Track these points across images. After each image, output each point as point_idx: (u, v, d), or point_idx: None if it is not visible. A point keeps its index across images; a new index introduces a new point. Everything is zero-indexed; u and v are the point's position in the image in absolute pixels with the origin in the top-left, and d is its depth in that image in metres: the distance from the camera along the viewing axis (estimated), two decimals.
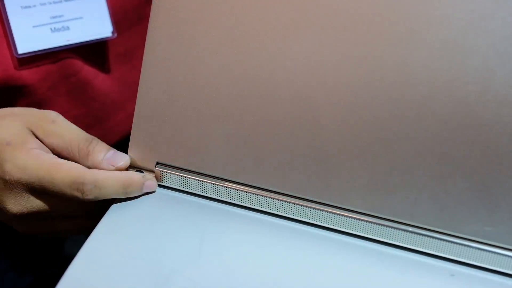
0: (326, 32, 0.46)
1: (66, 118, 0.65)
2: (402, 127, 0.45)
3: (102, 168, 0.49)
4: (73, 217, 0.52)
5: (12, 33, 0.59)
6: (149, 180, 0.51)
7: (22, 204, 0.50)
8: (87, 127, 0.66)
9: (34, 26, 0.61)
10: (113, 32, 0.63)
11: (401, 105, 0.45)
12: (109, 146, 0.51)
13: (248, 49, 0.48)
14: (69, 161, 0.49)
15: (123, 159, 0.50)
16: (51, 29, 0.63)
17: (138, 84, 0.50)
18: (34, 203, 0.50)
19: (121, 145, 0.66)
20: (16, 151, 0.49)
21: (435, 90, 0.44)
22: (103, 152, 0.50)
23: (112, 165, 0.50)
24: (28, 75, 0.60)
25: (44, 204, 0.50)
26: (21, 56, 0.59)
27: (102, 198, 0.48)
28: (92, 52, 0.64)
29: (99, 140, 0.51)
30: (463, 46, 0.43)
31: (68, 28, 0.63)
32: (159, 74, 0.50)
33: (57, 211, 0.51)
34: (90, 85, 0.64)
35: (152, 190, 0.51)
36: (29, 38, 0.60)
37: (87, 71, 0.63)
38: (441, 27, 0.43)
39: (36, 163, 0.48)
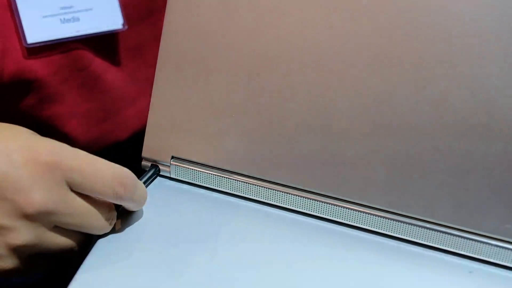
0: (344, 27, 0.45)
1: (78, 112, 0.64)
2: (421, 122, 0.45)
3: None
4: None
5: (22, 23, 0.58)
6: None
7: (53, 196, 0.42)
8: (99, 122, 0.65)
9: (43, 17, 0.60)
10: (123, 25, 0.63)
11: (420, 100, 0.45)
12: None
13: (264, 44, 0.47)
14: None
15: None
16: (60, 19, 0.62)
17: (149, 79, 0.49)
18: (67, 199, 0.43)
19: (132, 140, 0.66)
20: (48, 139, 0.45)
21: (454, 86, 0.44)
22: None
23: None
24: (39, 68, 0.59)
25: (77, 205, 0.44)
26: (30, 46, 0.58)
27: (133, 201, 0.46)
28: (103, 45, 0.63)
29: None
30: (482, 42, 0.43)
31: (78, 19, 0.62)
32: (174, 68, 0.49)
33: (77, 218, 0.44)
34: (101, 78, 0.63)
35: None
36: (38, 29, 0.60)
37: (98, 64, 0.63)
38: (462, 22, 0.43)
39: (74, 150, 0.44)
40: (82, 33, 0.62)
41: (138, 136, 0.51)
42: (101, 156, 0.68)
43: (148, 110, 0.51)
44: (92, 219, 0.44)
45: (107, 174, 0.43)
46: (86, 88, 0.63)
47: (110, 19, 0.63)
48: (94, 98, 0.64)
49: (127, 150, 0.58)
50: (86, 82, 0.62)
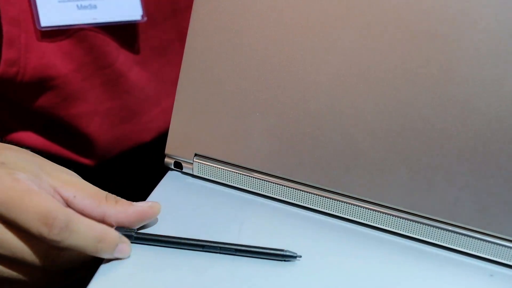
0: (366, 30, 0.45)
1: (101, 111, 0.64)
2: (445, 124, 0.45)
3: (127, 213, 0.45)
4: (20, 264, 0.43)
5: (36, 6, 0.57)
6: (124, 244, 0.44)
7: None
8: (122, 121, 0.65)
9: (60, 1, 0.60)
10: (142, 16, 0.62)
11: (444, 102, 0.45)
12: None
13: (289, 44, 0.47)
14: (47, 194, 0.42)
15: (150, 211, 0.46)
16: (77, 5, 0.61)
17: (173, 80, 0.49)
18: None
19: (157, 142, 0.65)
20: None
21: (479, 88, 0.44)
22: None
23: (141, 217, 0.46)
24: (61, 64, 0.58)
25: (5, 237, 0.41)
26: (43, 29, 0.58)
27: (68, 245, 0.41)
28: (127, 43, 0.63)
29: None
30: (508, 45, 0.43)
31: (95, 6, 0.62)
32: (199, 66, 0.49)
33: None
34: (124, 77, 0.63)
35: (123, 256, 0.44)
36: (53, 12, 0.59)
37: (122, 63, 0.62)
38: (489, 25, 0.43)
39: (12, 183, 0.41)
40: (98, 21, 0.61)
41: (163, 138, 0.50)
42: (125, 157, 0.68)
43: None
44: (24, 254, 0.42)
45: (32, 211, 0.40)
46: (109, 86, 0.62)
47: (129, 9, 0.62)
48: (117, 97, 0.63)
49: (151, 152, 0.58)
50: (109, 80, 0.62)
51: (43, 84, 0.58)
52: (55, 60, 0.58)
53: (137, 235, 0.45)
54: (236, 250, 0.45)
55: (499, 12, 0.43)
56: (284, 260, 0.45)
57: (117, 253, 0.43)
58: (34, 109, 0.60)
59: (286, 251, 0.45)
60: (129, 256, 0.44)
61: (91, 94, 0.61)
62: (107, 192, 0.46)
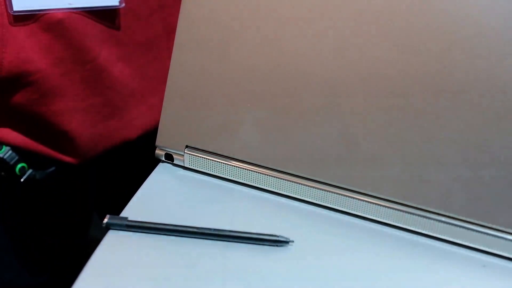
0: (358, 22, 0.45)
1: (82, 107, 0.62)
2: (437, 115, 0.45)
3: None
4: None
5: None
6: None
7: None
8: (105, 118, 0.63)
9: None
10: (120, 2, 0.60)
11: (436, 93, 0.45)
12: None
13: (280, 35, 0.47)
14: None
15: None
16: None
17: (159, 76, 0.48)
18: None
19: (143, 140, 0.64)
20: None
21: (472, 79, 0.44)
22: None
23: None
24: (39, 59, 0.56)
25: None
26: (16, 14, 0.55)
27: None
28: (110, 38, 0.61)
29: None
30: (503, 36, 0.43)
31: None
32: (190, 58, 0.48)
33: None
34: (107, 73, 0.61)
35: None
36: None
37: (105, 58, 0.60)
38: (484, 19, 0.43)
39: None
40: (74, 6, 0.59)
41: (149, 135, 0.49)
42: (110, 155, 0.66)
43: (160, 108, 0.50)
44: None
45: None
46: (91, 82, 0.60)
47: None
48: (99, 93, 0.61)
49: (138, 151, 0.56)
50: (91, 76, 0.60)
51: (20, 79, 0.56)
52: (32, 54, 0.56)
53: (129, 223, 0.45)
54: (229, 236, 0.45)
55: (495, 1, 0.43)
56: (277, 245, 0.45)
57: None
58: (12, 105, 0.58)
59: (279, 236, 0.45)
60: None
61: (71, 90, 0.59)
62: None
